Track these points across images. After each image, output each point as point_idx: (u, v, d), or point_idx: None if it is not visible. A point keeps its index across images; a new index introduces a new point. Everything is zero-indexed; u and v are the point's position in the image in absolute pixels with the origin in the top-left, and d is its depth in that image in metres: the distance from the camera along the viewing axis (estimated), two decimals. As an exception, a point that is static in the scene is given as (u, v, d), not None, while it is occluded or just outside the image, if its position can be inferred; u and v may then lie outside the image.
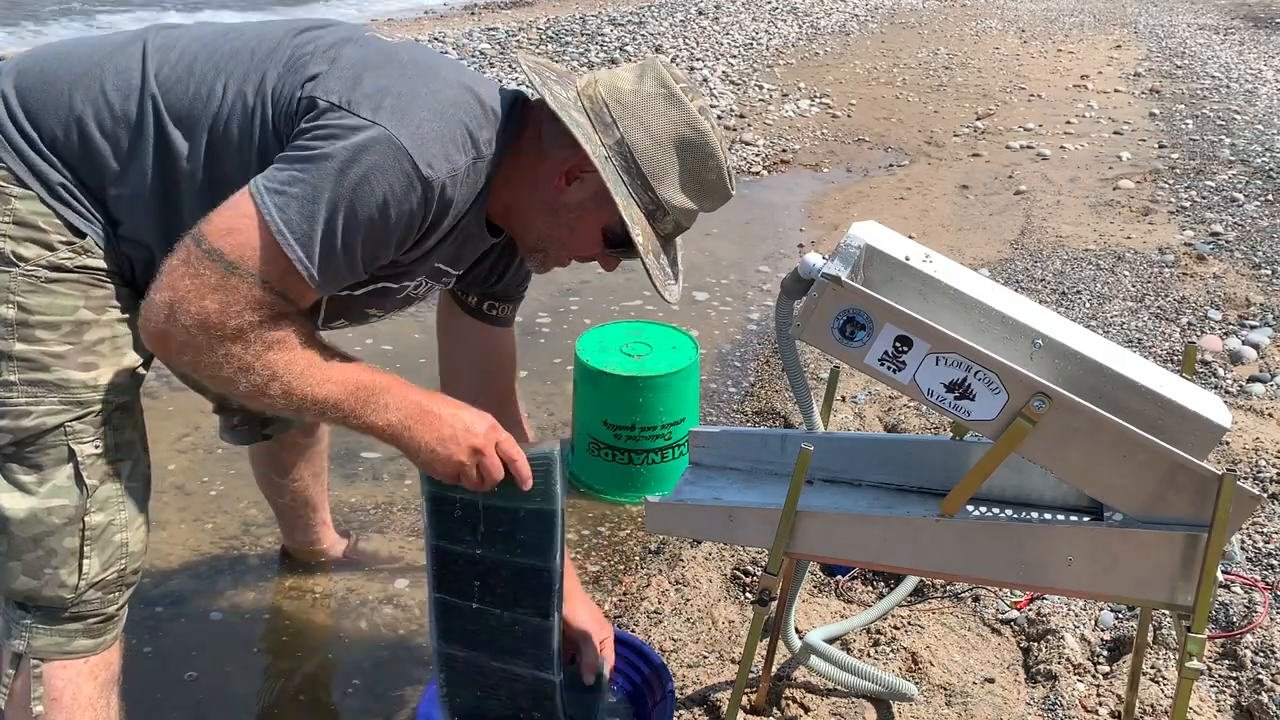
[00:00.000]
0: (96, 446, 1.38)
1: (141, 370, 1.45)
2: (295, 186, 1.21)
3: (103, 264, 1.37)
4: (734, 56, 8.98)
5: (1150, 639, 1.92)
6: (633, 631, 2.07)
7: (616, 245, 1.43)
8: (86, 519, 1.37)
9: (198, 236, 1.22)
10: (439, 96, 1.30)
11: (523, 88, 1.52)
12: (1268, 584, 2.10)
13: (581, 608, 1.73)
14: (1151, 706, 1.83)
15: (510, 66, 7.75)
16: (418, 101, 1.27)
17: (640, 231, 1.37)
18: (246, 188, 1.23)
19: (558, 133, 1.35)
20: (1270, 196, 5.24)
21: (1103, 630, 2.05)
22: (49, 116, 1.34)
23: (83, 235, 1.35)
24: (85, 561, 1.38)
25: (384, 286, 1.46)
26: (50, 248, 1.33)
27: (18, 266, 1.32)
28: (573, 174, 1.39)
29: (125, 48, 1.38)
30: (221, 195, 1.28)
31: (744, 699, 1.85)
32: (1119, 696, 1.85)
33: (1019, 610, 2.11)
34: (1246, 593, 2.08)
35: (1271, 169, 5.76)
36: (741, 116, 6.93)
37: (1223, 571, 2.07)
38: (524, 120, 1.42)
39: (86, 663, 1.43)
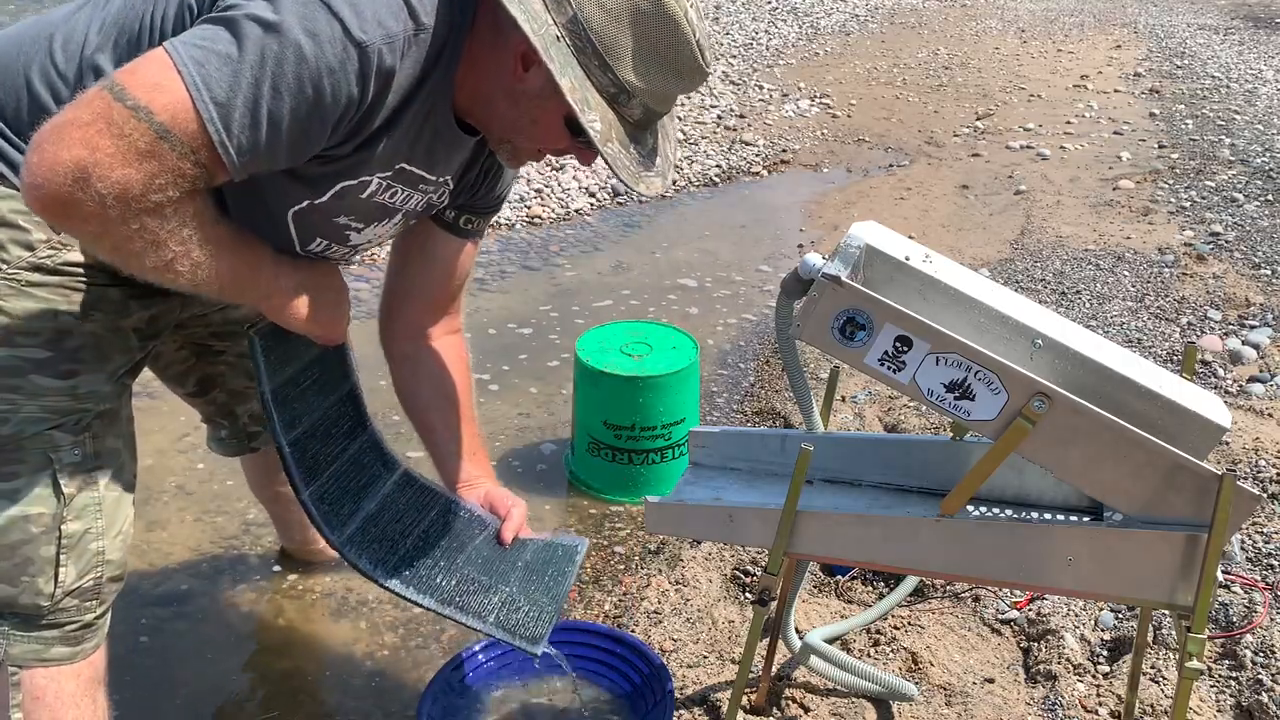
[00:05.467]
0: (75, 454, 1.36)
1: (126, 378, 1.43)
2: (218, 45, 1.09)
3: (86, 257, 1.34)
4: (734, 56, 8.97)
5: (1150, 639, 1.92)
6: (633, 631, 2.07)
7: (582, 134, 1.27)
8: (63, 527, 1.35)
9: (117, 89, 1.07)
10: None
11: None
12: (1268, 584, 2.10)
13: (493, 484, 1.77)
14: (1151, 706, 1.83)
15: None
16: None
17: (599, 118, 1.25)
18: (163, 46, 1.10)
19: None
20: (1270, 196, 5.24)
21: (1103, 630, 2.05)
22: (7, 98, 1.28)
23: None
24: (61, 570, 1.36)
25: (343, 187, 1.33)
26: (30, 247, 1.30)
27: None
28: (529, 58, 1.25)
29: (71, 16, 1.32)
30: None
31: (744, 699, 1.85)
32: (1119, 696, 1.85)
33: (1019, 610, 2.11)
34: (1246, 593, 2.08)
35: (1271, 169, 5.76)
36: (741, 116, 6.93)
37: (1223, 571, 2.07)
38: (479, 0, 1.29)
39: (65, 664, 1.41)
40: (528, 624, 1.57)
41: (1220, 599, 2.07)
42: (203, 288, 1.25)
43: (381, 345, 1.77)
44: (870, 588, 2.23)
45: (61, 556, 1.36)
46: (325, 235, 1.43)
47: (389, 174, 1.36)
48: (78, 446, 1.36)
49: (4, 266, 1.29)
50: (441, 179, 1.46)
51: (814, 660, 1.78)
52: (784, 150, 6.28)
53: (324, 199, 1.34)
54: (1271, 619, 1.99)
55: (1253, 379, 3.18)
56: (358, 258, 1.54)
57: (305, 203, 1.34)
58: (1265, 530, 2.30)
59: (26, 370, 1.31)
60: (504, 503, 1.74)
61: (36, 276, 1.31)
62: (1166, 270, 4.23)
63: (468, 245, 1.69)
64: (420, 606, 1.54)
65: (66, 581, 1.37)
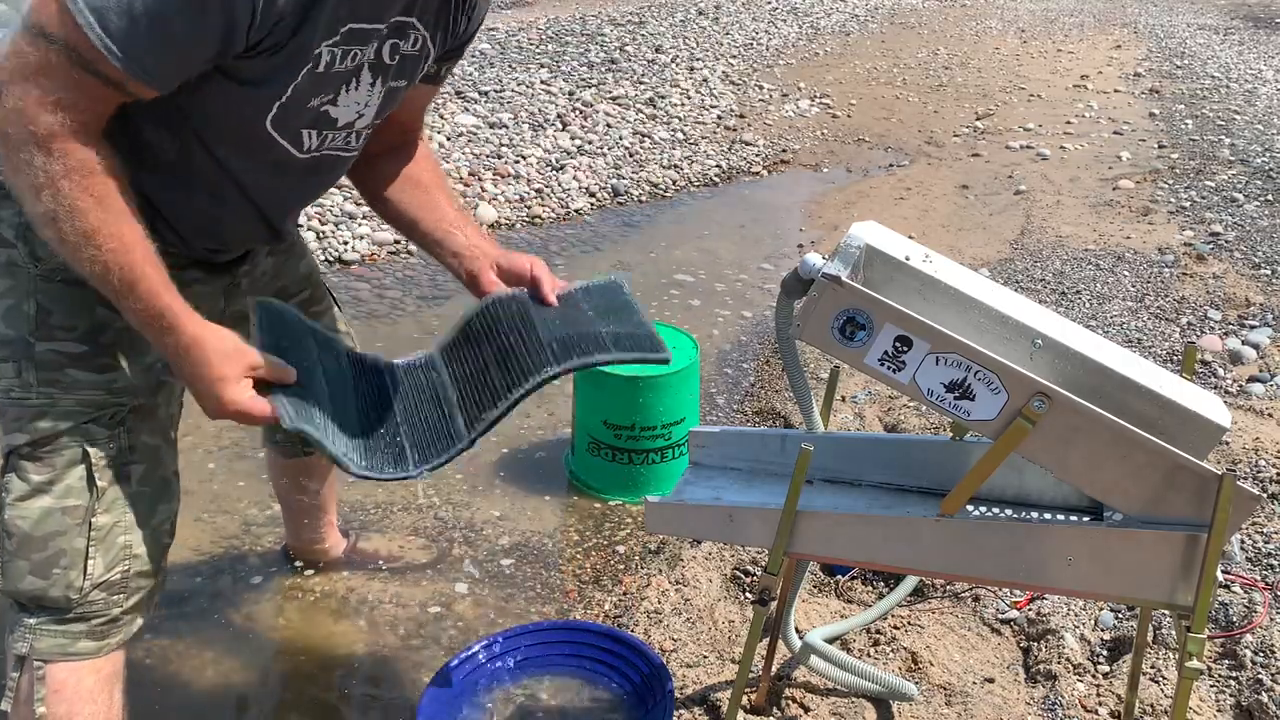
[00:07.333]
0: (110, 448, 1.38)
1: (165, 375, 1.44)
2: None
3: None
4: (734, 56, 8.98)
5: (1150, 639, 1.92)
6: (633, 631, 2.07)
7: None
8: (93, 520, 1.37)
9: (24, 14, 1.13)
10: None
11: None
12: (1268, 584, 2.11)
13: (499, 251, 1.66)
14: (1151, 706, 1.83)
15: (511, 67, 7.74)
16: None
17: None
18: None
19: None
20: (1270, 196, 5.24)
21: (1103, 630, 2.05)
22: None
23: None
24: (90, 562, 1.37)
25: (303, 74, 1.28)
26: None
27: (36, 266, 1.32)
28: None
29: None
30: None
31: (744, 699, 1.85)
32: (1119, 696, 1.86)
33: (1019, 610, 2.11)
34: (1246, 593, 2.08)
35: (1271, 169, 5.76)
36: (741, 116, 6.93)
37: (1223, 571, 2.07)
38: None
39: (89, 659, 1.42)
40: (639, 344, 1.56)
41: (1220, 599, 2.07)
42: (82, 267, 1.21)
43: (357, 189, 1.70)
44: (870, 588, 2.23)
45: (91, 549, 1.37)
46: (309, 125, 1.38)
47: (335, 39, 1.29)
48: (112, 441, 1.38)
49: (40, 264, 1.32)
50: (388, 22, 1.36)
51: (814, 660, 1.78)
52: (784, 150, 6.28)
53: (288, 93, 1.29)
54: (1271, 619, 1.99)
55: (1253, 379, 3.18)
56: (357, 139, 1.46)
57: (275, 106, 1.30)
58: (1265, 530, 2.30)
59: (64, 364, 1.34)
60: (523, 265, 1.60)
61: (70, 272, 1.31)
62: (1166, 270, 4.23)
63: (431, 89, 1.63)
64: (555, 379, 1.48)
65: (95, 574, 1.38)
